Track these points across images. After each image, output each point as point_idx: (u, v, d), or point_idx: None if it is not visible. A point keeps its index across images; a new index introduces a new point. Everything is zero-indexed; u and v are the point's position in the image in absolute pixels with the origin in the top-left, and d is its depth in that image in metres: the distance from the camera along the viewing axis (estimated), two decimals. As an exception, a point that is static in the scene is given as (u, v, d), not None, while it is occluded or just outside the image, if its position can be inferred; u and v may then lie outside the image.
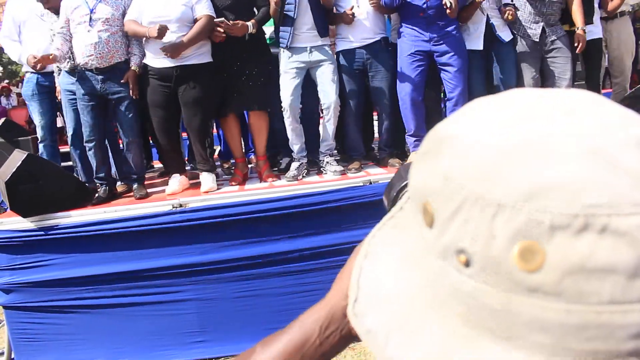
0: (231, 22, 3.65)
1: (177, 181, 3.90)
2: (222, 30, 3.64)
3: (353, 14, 3.87)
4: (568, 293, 0.32)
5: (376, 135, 4.60)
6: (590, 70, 4.68)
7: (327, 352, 0.57)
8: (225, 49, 3.79)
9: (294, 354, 0.56)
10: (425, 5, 3.80)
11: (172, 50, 3.61)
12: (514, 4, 4.03)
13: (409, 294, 0.42)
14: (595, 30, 4.58)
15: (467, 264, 0.36)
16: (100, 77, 3.76)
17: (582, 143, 0.34)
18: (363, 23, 3.95)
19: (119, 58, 3.79)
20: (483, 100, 0.41)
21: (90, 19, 3.70)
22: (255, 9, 3.95)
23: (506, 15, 3.95)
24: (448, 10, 3.68)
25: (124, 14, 3.80)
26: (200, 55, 3.80)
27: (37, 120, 4.40)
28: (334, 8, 3.97)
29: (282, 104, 3.89)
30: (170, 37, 3.65)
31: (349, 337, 0.57)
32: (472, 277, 0.36)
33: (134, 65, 3.82)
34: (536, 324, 0.34)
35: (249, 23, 3.72)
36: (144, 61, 3.86)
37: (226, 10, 3.79)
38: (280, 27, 3.86)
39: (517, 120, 0.36)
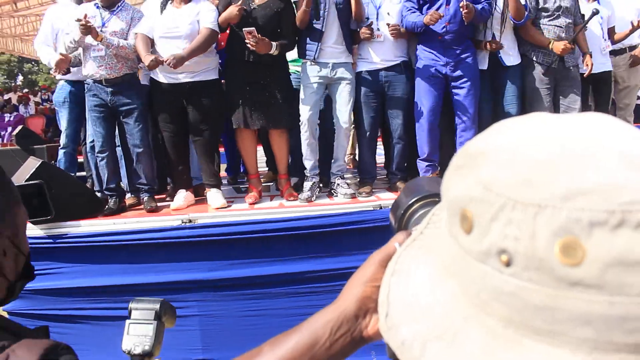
0: (259, 35, 3.62)
1: (182, 197, 3.91)
2: (250, 40, 3.58)
3: (372, 30, 3.88)
4: (610, 285, 0.34)
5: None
6: (600, 103, 4.68)
7: (336, 355, 0.57)
8: (249, 67, 3.79)
9: (303, 355, 0.56)
10: (444, 29, 3.83)
11: (175, 61, 3.57)
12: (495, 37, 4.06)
13: (445, 303, 0.43)
14: (605, 63, 4.60)
15: (508, 263, 0.38)
16: (109, 89, 3.81)
17: (612, 150, 0.37)
18: (384, 45, 3.97)
19: (127, 70, 3.85)
20: (508, 121, 0.44)
21: (101, 32, 3.75)
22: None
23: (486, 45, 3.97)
24: (464, 11, 3.69)
25: (132, 26, 3.86)
26: (209, 71, 3.84)
27: (64, 127, 4.44)
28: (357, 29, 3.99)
29: (301, 118, 3.88)
30: (179, 52, 3.65)
31: (359, 340, 0.58)
32: (514, 275, 0.37)
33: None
34: (580, 318, 0.35)
35: (274, 43, 3.70)
36: (152, 75, 3.90)
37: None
38: (307, 40, 3.86)
39: (546, 135, 0.40)
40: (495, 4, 4.00)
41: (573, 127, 0.40)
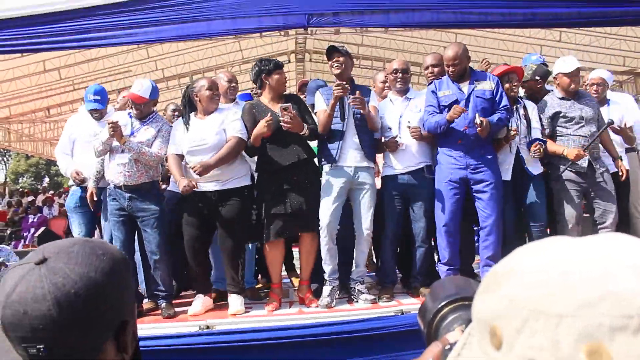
0: (295, 112, 3.71)
1: (200, 302, 3.85)
2: (285, 117, 3.66)
3: (397, 142, 3.97)
4: None
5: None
6: (620, 202, 4.63)
7: None
8: (282, 172, 3.82)
9: None
10: (464, 132, 3.86)
11: (201, 169, 3.67)
12: (544, 140, 4.11)
13: None
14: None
15: None
16: (127, 195, 3.87)
17: (621, 262, 0.40)
18: (406, 153, 4.03)
19: (146, 179, 3.92)
20: (533, 244, 0.48)
21: (129, 140, 3.88)
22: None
23: (534, 152, 3.98)
24: (479, 129, 3.74)
25: (157, 136, 3.97)
26: (239, 178, 3.89)
27: (76, 232, 4.48)
28: (381, 137, 4.07)
29: (320, 223, 3.84)
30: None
31: None
32: None
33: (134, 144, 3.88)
34: None
35: (305, 125, 3.80)
36: None
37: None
38: (328, 144, 3.91)
39: (561, 256, 0.44)
40: (521, 120, 4.10)
41: (592, 249, 0.43)
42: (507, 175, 4.07)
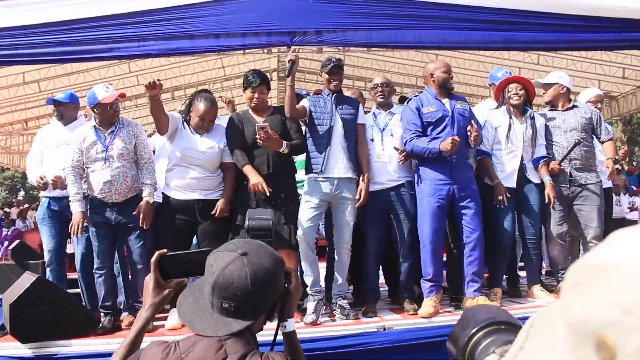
0: (272, 132, 3.71)
1: (176, 317, 3.79)
2: (261, 135, 3.66)
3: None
4: None
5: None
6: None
7: None
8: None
9: None
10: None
11: (220, 212, 3.81)
12: (548, 157, 4.28)
13: None
14: (604, 181, 4.71)
15: None
16: (115, 208, 3.83)
17: None
18: (389, 166, 4.04)
19: (134, 191, 3.89)
20: (622, 232, 0.41)
21: (106, 156, 3.82)
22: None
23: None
24: (475, 134, 3.83)
25: (135, 146, 3.93)
26: (222, 190, 3.91)
27: (45, 243, 4.39)
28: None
29: (297, 232, 3.81)
30: (195, 175, 3.83)
31: None
32: None
33: (147, 196, 3.87)
34: None
35: (284, 142, 3.79)
36: (165, 192, 3.94)
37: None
38: (312, 153, 3.90)
39: None
40: (527, 129, 4.23)
41: None
42: (511, 182, 4.15)
